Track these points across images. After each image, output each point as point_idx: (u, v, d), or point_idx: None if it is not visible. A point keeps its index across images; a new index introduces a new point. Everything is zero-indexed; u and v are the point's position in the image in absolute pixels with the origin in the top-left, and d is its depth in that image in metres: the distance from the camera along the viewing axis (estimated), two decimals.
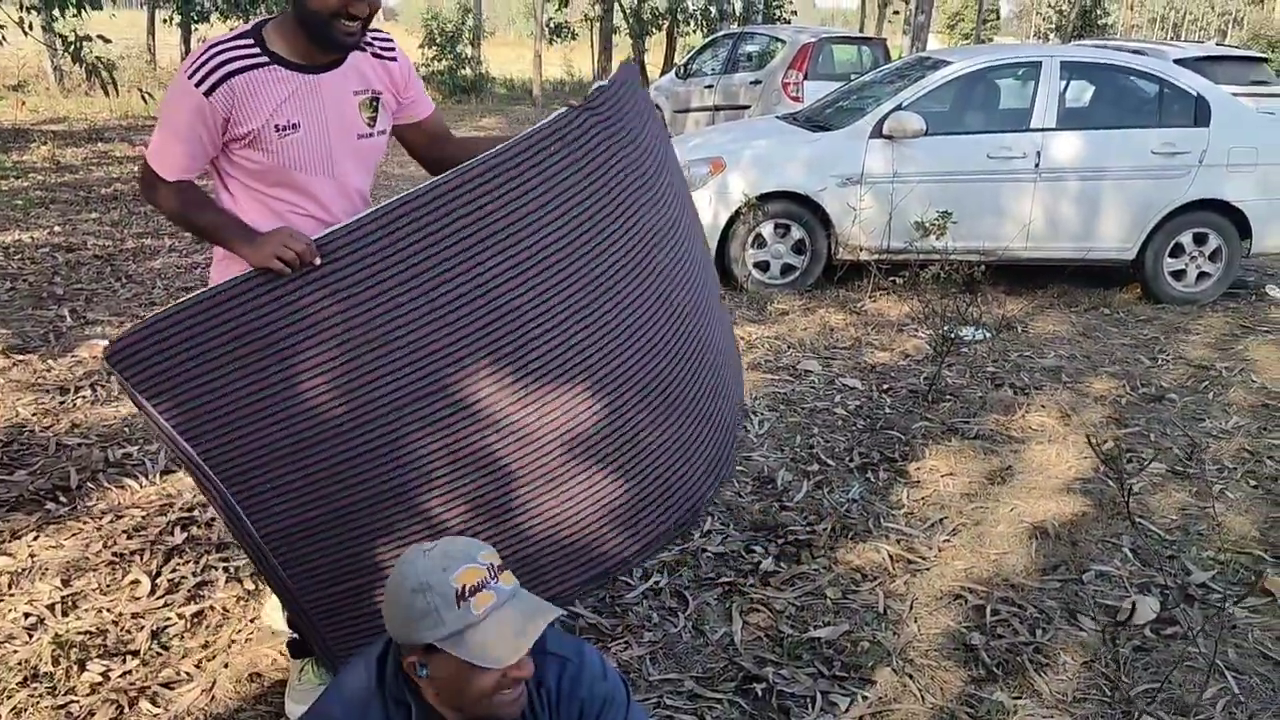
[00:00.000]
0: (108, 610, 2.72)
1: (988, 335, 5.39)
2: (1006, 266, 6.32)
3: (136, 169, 9.85)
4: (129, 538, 3.08)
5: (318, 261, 1.89)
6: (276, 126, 1.99)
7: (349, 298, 1.90)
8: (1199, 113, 6.14)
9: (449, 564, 1.40)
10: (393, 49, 2.20)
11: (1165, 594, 2.96)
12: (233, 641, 2.62)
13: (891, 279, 5.82)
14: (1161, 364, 5.15)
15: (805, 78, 10.54)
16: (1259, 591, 2.97)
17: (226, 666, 2.51)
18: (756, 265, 6.15)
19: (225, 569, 2.94)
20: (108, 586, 2.84)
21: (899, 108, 6.06)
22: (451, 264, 1.91)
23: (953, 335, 4.55)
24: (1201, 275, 6.31)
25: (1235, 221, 6.18)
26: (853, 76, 9.19)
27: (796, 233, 6.09)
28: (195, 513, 3.26)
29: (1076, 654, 2.68)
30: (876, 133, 6.02)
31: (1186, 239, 6.24)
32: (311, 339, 1.90)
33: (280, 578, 2.06)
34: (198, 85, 1.93)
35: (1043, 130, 6.10)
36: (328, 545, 2.02)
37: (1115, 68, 6.36)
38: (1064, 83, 6.25)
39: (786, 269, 6.17)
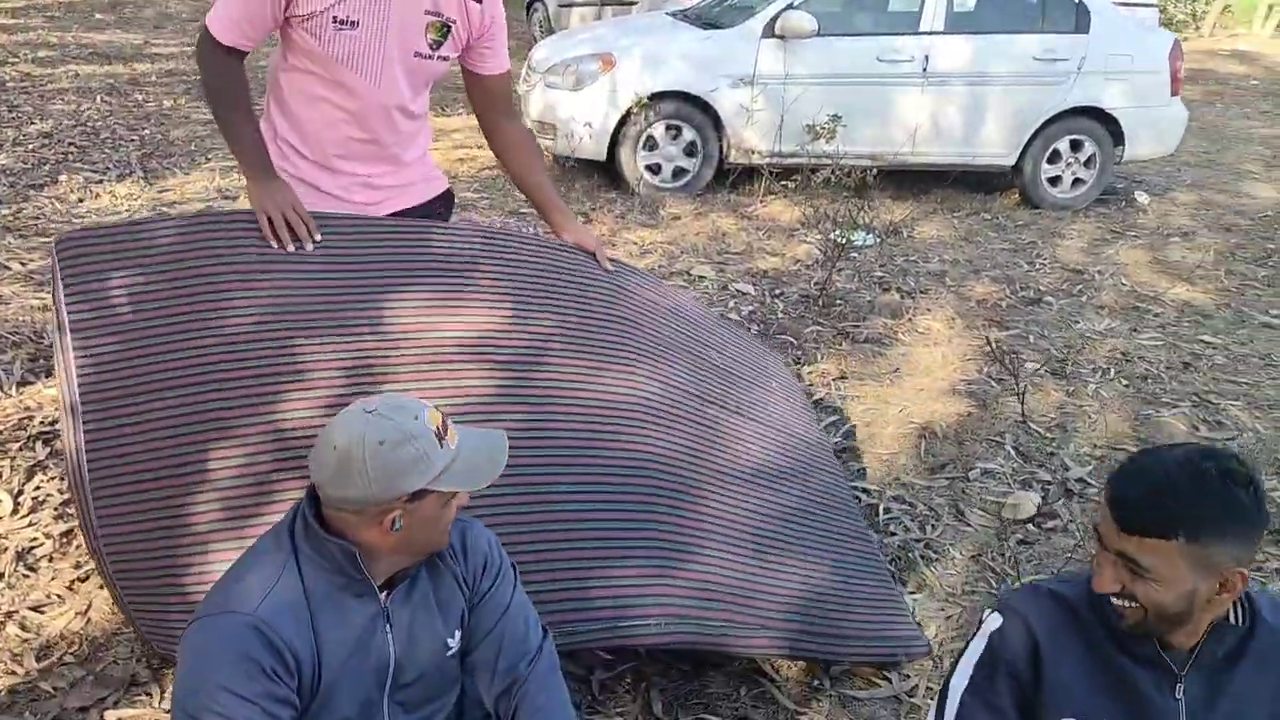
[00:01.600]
0: None
1: (875, 240, 5.44)
2: (892, 171, 6.37)
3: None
4: None
5: (309, 247, 1.95)
6: (334, 19, 1.98)
7: (302, 282, 1.92)
8: (1080, 19, 6.23)
9: (417, 412, 1.40)
10: None
11: (1046, 489, 3.08)
12: None
13: (784, 183, 5.80)
14: (1039, 268, 5.30)
15: None
16: None
17: (101, 588, 2.37)
18: (648, 168, 6.04)
19: None
20: None
21: (790, 6, 5.95)
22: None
23: (845, 240, 4.56)
24: (1077, 181, 6.48)
25: (1110, 129, 6.35)
26: None
27: (688, 134, 5.99)
28: (58, 425, 3.04)
29: (965, 548, 2.76)
30: (768, 32, 5.92)
31: (1064, 145, 6.38)
32: (236, 301, 1.87)
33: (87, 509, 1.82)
34: None
35: (931, 34, 6.11)
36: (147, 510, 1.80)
37: None
38: None
39: (678, 172, 6.08)
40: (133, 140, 6.54)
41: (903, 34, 6.11)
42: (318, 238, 1.97)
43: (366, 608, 1.44)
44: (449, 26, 2.11)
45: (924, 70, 6.09)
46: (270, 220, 1.95)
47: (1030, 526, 2.88)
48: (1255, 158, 8.47)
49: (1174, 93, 6.41)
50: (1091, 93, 6.22)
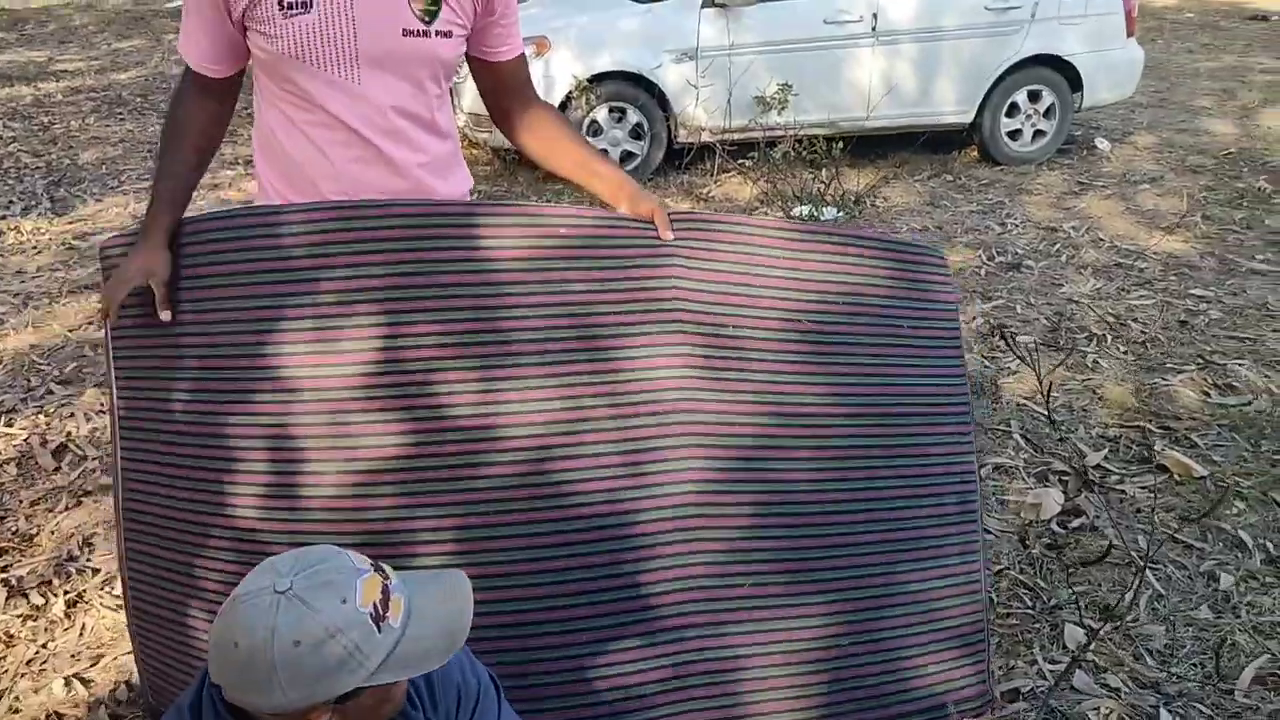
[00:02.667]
0: None
1: (840, 214, 5.17)
2: (846, 139, 6.10)
3: None
4: None
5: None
6: (280, 2, 1.53)
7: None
8: None
9: (342, 591, 1.06)
10: None
11: (1064, 482, 2.83)
12: (20, 675, 2.14)
13: (740, 161, 5.50)
14: (1011, 229, 5.07)
15: None
16: (1155, 469, 2.89)
17: (16, 712, 2.04)
18: None
19: (4, 581, 2.42)
20: None
21: None
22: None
23: (814, 218, 4.29)
24: (1037, 133, 6.25)
25: (1067, 76, 6.12)
26: None
27: (633, 116, 5.65)
28: None
29: (989, 561, 2.51)
30: (709, 1, 5.60)
31: (1021, 97, 6.14)
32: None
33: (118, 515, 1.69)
34: None
35: None
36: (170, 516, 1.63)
37: None
38: None
39: (626, 156, 5.75)
40: (39, 168, 6.08)
41: None
42: (165, 317, 1.53)
43: None
44: None
45: (873, 29, 5.80)
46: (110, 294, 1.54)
47: (1055, 527, 2.63)
48: (1206, 93, 8.31)
49: (1129, 34, 6.18)
50: (1047, 40, 5.97)
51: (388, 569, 1.15)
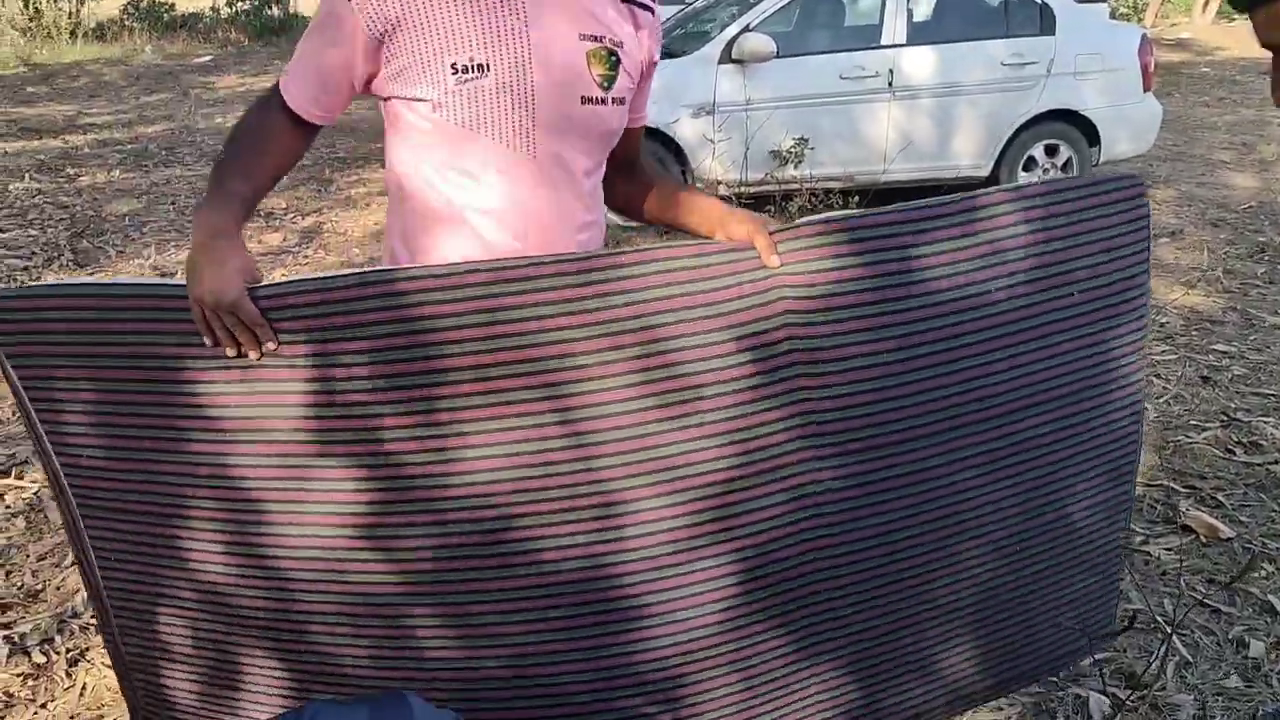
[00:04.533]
0: None
1: None
2: (862, 191, 6.11)
3: None
4: None
5: (253, 356, 1.26)
6: (454, 66, 1.33)
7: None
8: (1044, 20, 6.01)
9: None
10: None
11: None
12: None
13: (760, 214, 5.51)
14: None
15: None
16: (1180, 530, 2.82)
17: None
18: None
19: (6, 638, 2.39)
20: None
21: (747, 29, 5.70)
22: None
23: None
24: None
25: (1084, 130, 6.13)
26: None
27: None
28: None
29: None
30: (726, 57, 5.65)
31: (1038, 151, 6.15)
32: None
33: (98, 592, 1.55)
34: None
35: (894, 46, 5.86)
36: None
37: None
38: None
39: None
40: (63, 219, 6.16)
41: (865, 49, 5.87)
42: (271, 346, 1.25)
43: None
44: (616, 54, 1.42)
45: (889, 85, 5.84)
46: (204, 315, 1.26)
47: None
48: (1224, 146, 8.31)
49: (1146, 88, 6.19)
50: (1063, 95, 5.99)
51: None
